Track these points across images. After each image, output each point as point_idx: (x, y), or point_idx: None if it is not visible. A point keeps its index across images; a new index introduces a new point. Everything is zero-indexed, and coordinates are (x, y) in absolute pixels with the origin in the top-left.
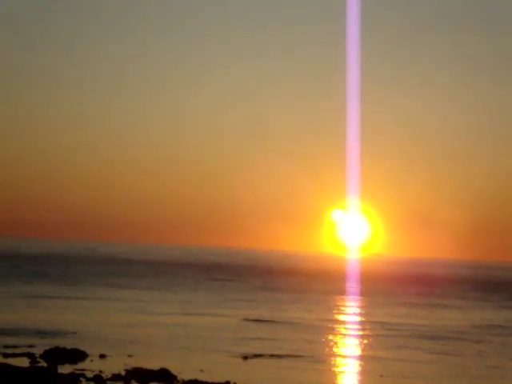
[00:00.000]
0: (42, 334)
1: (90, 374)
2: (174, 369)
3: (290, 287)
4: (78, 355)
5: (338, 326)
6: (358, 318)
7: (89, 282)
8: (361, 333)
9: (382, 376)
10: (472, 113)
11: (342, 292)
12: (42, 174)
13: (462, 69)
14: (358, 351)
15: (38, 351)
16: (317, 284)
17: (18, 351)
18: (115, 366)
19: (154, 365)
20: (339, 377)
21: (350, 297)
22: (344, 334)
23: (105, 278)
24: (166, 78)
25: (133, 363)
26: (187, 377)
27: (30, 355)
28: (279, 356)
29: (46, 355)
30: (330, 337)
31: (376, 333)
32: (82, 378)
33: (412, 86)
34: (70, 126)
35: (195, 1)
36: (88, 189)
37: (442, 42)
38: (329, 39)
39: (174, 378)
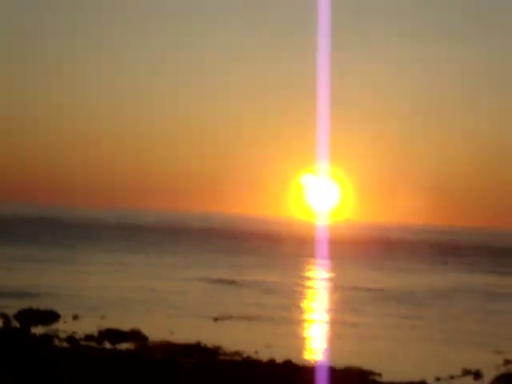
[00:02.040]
0: (17, 295)
1: (63, 335)
2: (145, 330)
3: (260, 251)
4: (51, 316)
5: (306, 289)
6: (326, 282)
7: (65, 244)
8: (328, 296)
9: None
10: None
11: (310, 255)
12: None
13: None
14: (325, 315)
15: (11, 312)
16: (285, 248)
17: None
18: (88, 326)
19: (126, 326)
20: (307, 340)
21: (318, 260)
22: (312, 298)
23: (84, 242)
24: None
25: (105, 324)
26: (158, 338)
27: (3, 316)
28: (248, 318)
29: (20, 316)
30: (298, 300)
31: (343, 296)
32: (55, 339)
33: (379, 53)
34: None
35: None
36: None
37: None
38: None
39: (146, 339)
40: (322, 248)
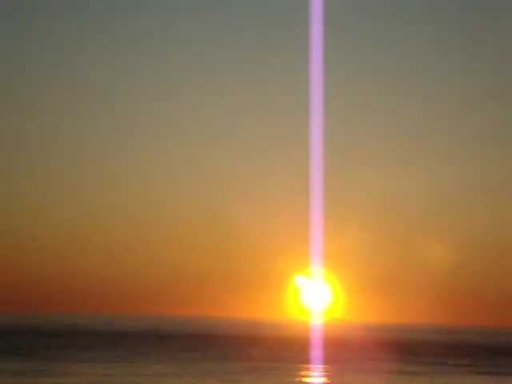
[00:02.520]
0: None
1: None
2: None
3: (250, 356)
4: None
5: None
6: None
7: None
8: None
9: None
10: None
11: (303, 360)
12: None
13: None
14: None
15: None
16: (277, 352)
17: None
18: None
19: None
20: None
21: (313, 365)
22: None
23: (61, 351)
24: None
25: None
26: None
27: None
28: None
29: None
30: None
31: None
32: None
33: (372, 155)
34: None
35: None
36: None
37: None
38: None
39: None
40: (317, 352)
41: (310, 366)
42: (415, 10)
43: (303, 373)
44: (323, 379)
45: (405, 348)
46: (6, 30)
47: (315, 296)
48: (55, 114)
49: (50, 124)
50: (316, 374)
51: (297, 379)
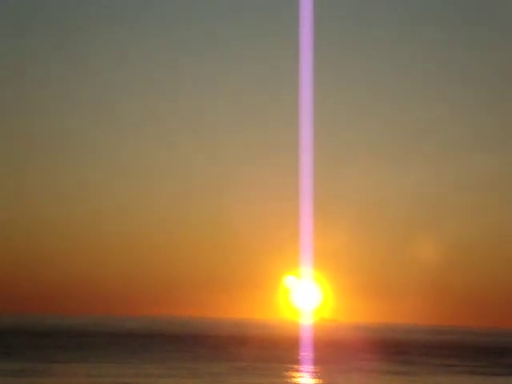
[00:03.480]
0: None
1: None
2: None
3: (239, 356)
4: None
5: None
6: None
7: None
8: None
9: None
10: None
11: (292, 360)
12: None
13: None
14: None
15: None
16: (266, 352)
17: None
18: None
19: None
20: None
21: (301, 365)
22: None
23: (56, 352)
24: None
25: None
26: None
27: None
28: None
29: None
30: None
31: None
32: None
33: (360, 158)
34: None
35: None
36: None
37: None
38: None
39: None
40: (307, 352)
41: (299, 366)
42: (408, 10)
43: (291, 373)
44: (312, 380)
45: (394, 348)
46: (6, 30)
47: (305, 296)
48: (55, 114)
49: (50, 124)
50: (305, 374)
51: (284, 380)
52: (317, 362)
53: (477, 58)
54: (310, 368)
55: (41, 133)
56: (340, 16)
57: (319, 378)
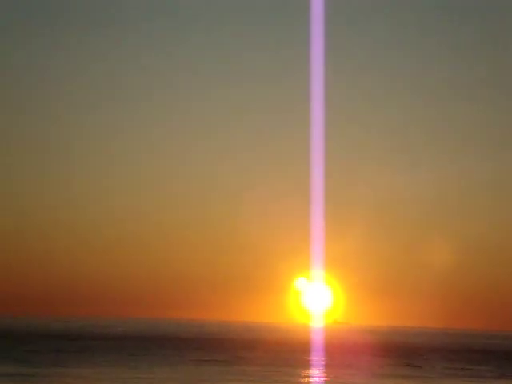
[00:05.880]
0: None
1: None
2: None
3: (249, 360)
4: None
5: None
6: None
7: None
8: None
9: None
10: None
11: (303, 363)
12: None
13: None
14: None
15: None
16: (277, 355)
17: None
18: None
19: None
20: None
21: (311, 369)
22: None
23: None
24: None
25: None
26: None
27: None
28: None
29: None
30: None
31: None
32: None
33: (373, 157)
34: None
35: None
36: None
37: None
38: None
39: None
40: (318, 355)
41: (310, 370)
42: (422, 7)
43: (302, 379)
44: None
45: (405, 351)
46: (5, 31)
47: (316, 299)
48: (54, 114)
49: (50, 124)
50: (316, 377)
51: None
52: (328, 365)
53: (494, 59)
54: (322, 372)
55: (50, 135)
56: (353, 6)
57: (329, 381)
